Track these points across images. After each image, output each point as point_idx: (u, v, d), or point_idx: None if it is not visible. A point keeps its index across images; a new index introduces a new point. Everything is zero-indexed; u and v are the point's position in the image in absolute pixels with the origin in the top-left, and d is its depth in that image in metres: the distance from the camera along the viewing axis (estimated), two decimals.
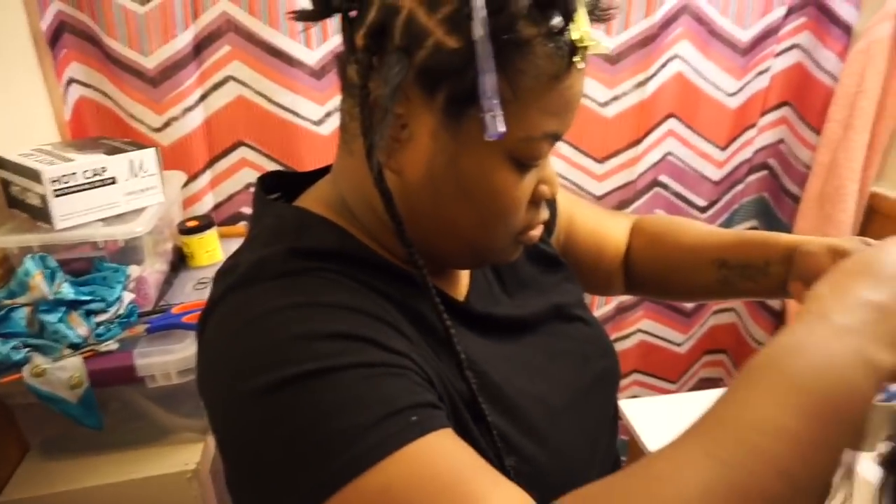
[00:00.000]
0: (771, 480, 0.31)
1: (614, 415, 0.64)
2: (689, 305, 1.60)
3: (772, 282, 0.61)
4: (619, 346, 1.60)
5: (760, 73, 1.38)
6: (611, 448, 0.61)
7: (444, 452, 0.35)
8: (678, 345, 1.65)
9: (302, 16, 0.45)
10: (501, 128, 0.40)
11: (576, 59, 0.42)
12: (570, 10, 0.41)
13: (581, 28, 0.42)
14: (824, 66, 1.35)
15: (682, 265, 0.70)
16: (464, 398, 0.45)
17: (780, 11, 1.33)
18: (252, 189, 1.25)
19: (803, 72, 1.40)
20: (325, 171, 0.56)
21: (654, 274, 0.73)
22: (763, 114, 1.44)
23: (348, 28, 0.44)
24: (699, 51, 1.34)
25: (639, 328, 1.61)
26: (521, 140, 0.43)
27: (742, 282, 0.64)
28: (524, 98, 0.42)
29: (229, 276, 0.45)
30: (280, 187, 0.57)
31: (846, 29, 1.32)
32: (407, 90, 0.42)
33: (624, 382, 1.67)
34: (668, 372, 1.69)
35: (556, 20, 0.41)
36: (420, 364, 0.42)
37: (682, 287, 0.72)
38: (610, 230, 0.75)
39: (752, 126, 1.44)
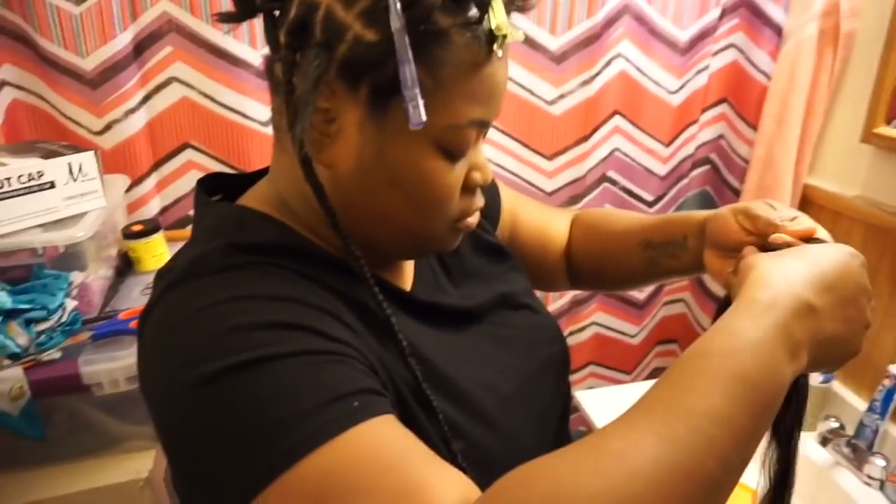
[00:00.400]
0: (711, 464, 0.33)
1: (566, 401, 0.65)
2: (640, 297, 1.64)
3: (691, 256, 0.63)
4: (575, 339, 1.64)
5: (699, 71, 1.43)
6: (563, 434, 0.62)
7: (386, 437, 0.36)
8: (632, 336, 1.69)
9: (225, 17, 0.46)
10: (423, 116, 0.41)
11: (494, 47, 0.44)
12: (483, 6, 0.43)
13: (498, 18, 0.43)
14: (758, 64, 1.42)
15: (612, 252, 0.72)
16: (409, 385, 0.46)
17: (714, 13, 1.38)
18: None
19: (739, 70, 1.46)
20: (264, 172, 0.56)
21: (589, 264, 0.76)
22: (703, 110, 1.50)
23: (271, 27, 0.45)
24: (641, 50, 1.38)
25: (593, 321, 1.65)
26: (447, 128, 0.44)
27: (666, 260, 0.66)
28: (446, 87, 0.43)
29: (168, 276, 0.45)
30: (221, 189, 0.57)
31: (777, 29, 1.38)
32: (331, 84, 0.43)
33: (580, 375, 1.70)
34: (622, 363, 1.73)
35: (472, 11, 0.43)
36: (363, 352, 0.42)
37: (615, 273, 0.74)
38: (553, 226, 0.77)
39: (694, 122, 1.49)
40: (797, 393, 0.50)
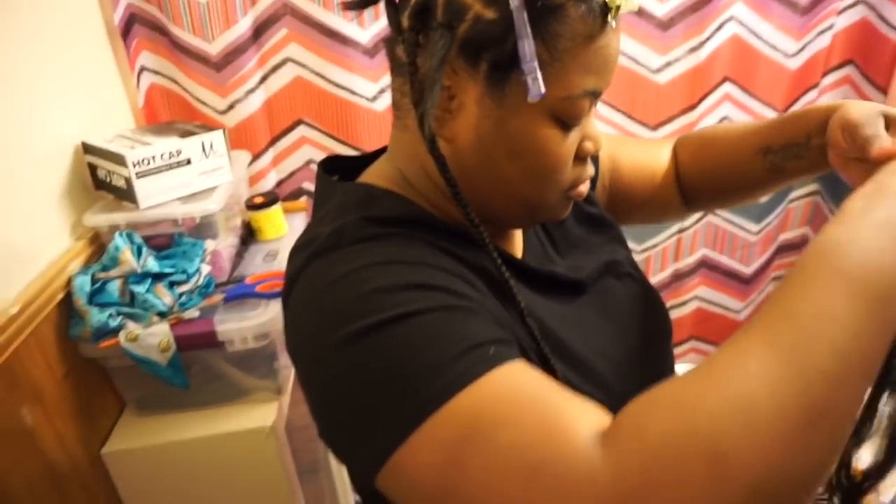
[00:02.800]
0: (826, 359, 0.33)
1: (671, 369, 0.66)
2: (747, 272, 1.58)
3: (816, 154, 0.61)
4: (676, 314, 1.61)
5: (822, 31, 1.33)
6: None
7: (524, 377, 0.38)
8: (737, 312, 1.64)
9: (349, 5, 0.50)
10: (542, 89, 0.43)
11: (609, 18, 0.45)
12: None
13: None
14: (891, 20, 1.30)
15: (730, 165, 0.70)
16: (528, 346, 0.49)
17: None
18: (312, 165, 1.32)
19: (869, 27, 1.34)
20: (377, 154, 0.60)
21: (706, 183, 0.74)
22: (825, 74, 1.40)
23: (393, 12, 0.48)
24: (755, 12, 1.31)
25: (696, 295, 1.61)
26: (563, 99, 0.46)
27: (790, 162, 0.64)
28: (562, 59, 0.45)
29: (308, 248, 0.48)
30: (338, 170, 0.61)
31: None
32: (452, 62, 0.46)
33: (681, 349, 1.67)
34: (726, 339, 1.68)
35: None
36: (491, 310, 0.46)
37: (736, 186, 0.72)
38: (654, 156, 0.76)
39: (814, 87, 1.40)
40: None
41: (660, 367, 0.63)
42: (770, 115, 1.40)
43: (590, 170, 0.54)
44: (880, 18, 1.32)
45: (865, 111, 0.53)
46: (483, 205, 0.52)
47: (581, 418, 0.35)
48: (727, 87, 1.37)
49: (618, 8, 0.45)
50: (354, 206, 0.51)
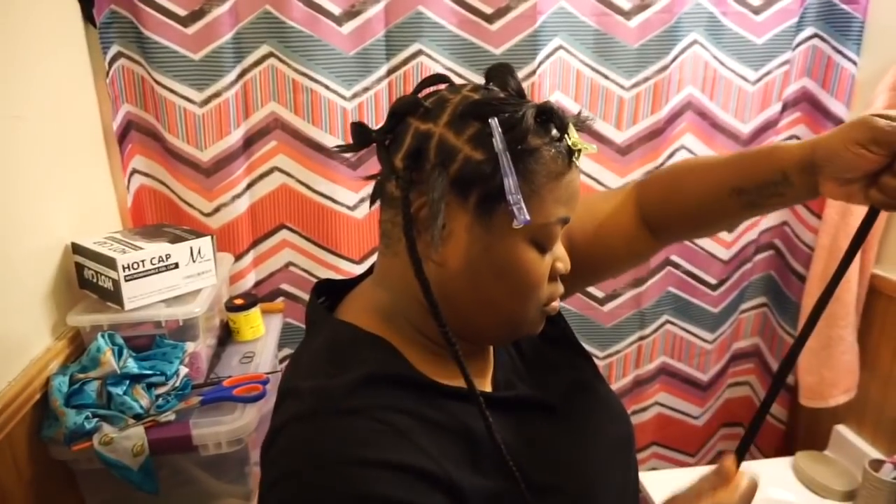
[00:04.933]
0: None
1: (636, 477, 0.70)
2: (704, 379, 1.65)
3: (800, 190, 0.61)
4: (638, 419, 1.65)
5: None
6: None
7: None
8: (695, 417, 1.69)
9: (344, 149, 0.58)
10: (527, 216, 0.51)
11: (573, 158, 0.55)
12: (563, 124, 0.54)
13: (573, 136, 0.55)
14: None
15: (703, 209, 0.70)
16: (506, 490, 0.52)
17: (776, 107, 1.45)
18: (292, 268, 1.36)
19: None
20: (361, 278, 0.66)
21: (677, 224, 0.74)
22: None
23: (385, 154, 0.56)
24: (703, 142, 1.46)
25: (656, 401, 1.66)
26: (541, 226, 0.54)
27: (769, 199, 0.64)
28: (539, 193, 0.53)
29: (293, 402, 0.53)
30: (328, 291, 0.66)
31: (838, 123, 1.43)
32: (445, 196, 0.53)
33: (643, 455, 1.70)
34: (686, 444, 1.72)
35: (554, 132, 0.54)
36: (461, 491, 0.50)
37: (712, 225, 0.73)
38: (608, 214, 0.76)
39: None
40: None
41: (628, 475, 0.67)
42: (720, 232, 1.52)
43: (560, 287, 0.60)
44: None
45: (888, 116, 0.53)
46: (469, 323, 0.57)
47: None
48: None
49: (580, 151, 0.55)
50: (341, 357, 0.55)
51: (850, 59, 1.40)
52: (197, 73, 1.22)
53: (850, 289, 1.34)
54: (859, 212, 1.30)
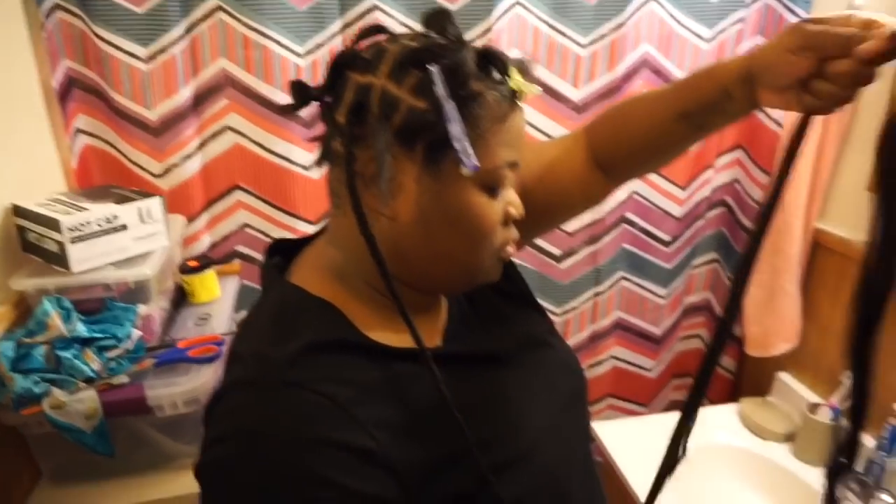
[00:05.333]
0: None
1: (588, 429, 0.72)
2: (657, 332, 1.70)
3: (742, 103, 0.61)
4: (594, 372, 1.70)
5: None
6: (588, 461, 0.69)
7: None
8: (648, 370, 1.75)
9: (286, 109, 0.57)
10: (475, 162, 0.51)
11: (517, 100, 0.55)
12: (504, 66, 0.54)
13: (515, 78, 0.55)
14: (771, 113, 1.49)
15: (651, 139, 0.71)
16: (456, 445, 0.53)
17: None
18: (248, 229, 1.35)
19: (752, 119, 1.53)
20: (316, 236, 0.66)
21: (628, 160, 0.75)
22: (719, 155, 1.58)
23: (327, 111, 0.55)
24: None
25: (611, 354, 1.71)
26: (489, 171, 0.54)
27: (714, 118, 0.65)
28: (485, 137, 0.53)
29: (237, 367, 0.53)
30: (282, 250, 0.66)
31: None
32: (390, 148, 0.52)
33: (598, 406, 1.76)
34: (639, 396, 1.78)
35: (496, 75, 0.54)
36: (395, 465, 0.50)
37: (663, 154, 0.73)
38: (558, 158, 0.76)
39: (710, 167, 1.57)
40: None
41: (578, 428, 0.69)
42: (674, 190, 1.55)
43: (515, 232, 0.60)
44: (762, 111, 1.51)
45: (825, 18, 0.52)
46: (426, 275, 0.58)
47: None
48: None
49: (522, 92, 0.55)
50: (287, 325, 0.55)
51: (799, 17, 1.41)
52: (141, 26, 1.17)
53: (794, 242, 1.39)
54: (805, 168, 1.34)
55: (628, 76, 1.42)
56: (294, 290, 0.59)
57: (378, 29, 0.58)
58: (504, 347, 0.66)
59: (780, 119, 1.47)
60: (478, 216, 0.55)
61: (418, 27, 0.58)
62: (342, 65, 0.54)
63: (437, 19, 0.56)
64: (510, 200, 0.59)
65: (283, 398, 0.49)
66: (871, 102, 1.27)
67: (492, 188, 0.55)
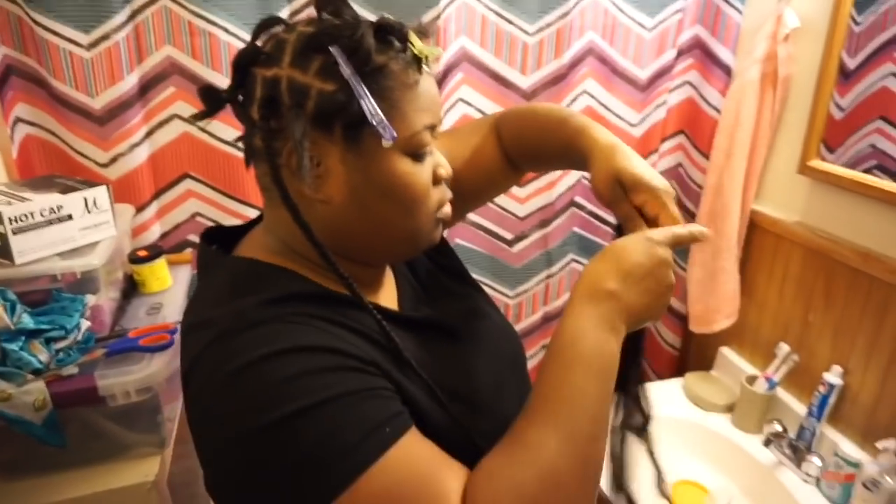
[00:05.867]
0: (589, 425, 0.50)
1: (529, 385, 0.76)
2: None
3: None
4: None
5: (658, 106, 1.57)
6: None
7: (412, 452, 0.48)
8: None
9: (199, 116, 0.58)
10: (394, 133, 0.53)
11: (422, 66, 0.57)
12: (403, 34, 0.56)
13: (417, 44, 0.57)
14: (710, 100, 1.55)
15: (543, 159, 0.81)
16: (418, 394, 0.55)
17: (671, 53, 1.52)
18: (199, 218, 1.34)
19: (694, 105, 1.60)
20: (252, 224, 0.66)
21: (530, 163, 0.83)
22: (663, 140, 1.64)
23: (241, 110, 0.56)
24: (604, 87, 1.52)
25: None
26: (409, 137, 0.56)
27: (580, 167, 0.72)
28: (398, 106, 0.55)
29: (205, 331, 0.51)
30: (217, 240, 0.66)
31: (726, 69, 1.52)
32: (308, 135, 0.53)
33: None
34: None
35: (397, 44, 0.56)
36: (385, 373, 0.52)
37: (555, 168, 0.94)
38: (477, 144, 0.81)
39: (655, 152, 1.63)
40: (633, 347, 0.61)
41: (523, 387, 0.74)
42: None
43: (448, 192, 0.63)
44: (702, 98, 1.58)
45: (610, 181, 0.63)
46: (369, 248, 0.60)
47: (450, 491, 0.47)
48: None
49: (426, 57, 0.57)
50: (246, 286, 0.55)
51: (735, 8, 1.48)
52: (81, 13, 1.14)
53: (732, 223, 1.46)
54: (741, 153, 1.41)
55: (574, 63, 1.46)
56: (246, 262, 0.59)
57: (274, 21, 0.58)
58: (451, 317, 0.70)
59: (718, 105, 1.53)
60: (408, 184, 0.57)
61: (369, 16, 0.60)
62: (246, 63, 0.55)
63: (331, 1, 0.57)
64: (438, 162, 0.61)
65: (263, 331, 0.50)
66: (800, 91, 1.34)
67: (416, 154, 0.57)
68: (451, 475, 0.48)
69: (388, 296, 0.68)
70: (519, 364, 0.76)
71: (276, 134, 0.53)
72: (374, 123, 0.52)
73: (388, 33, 0.55)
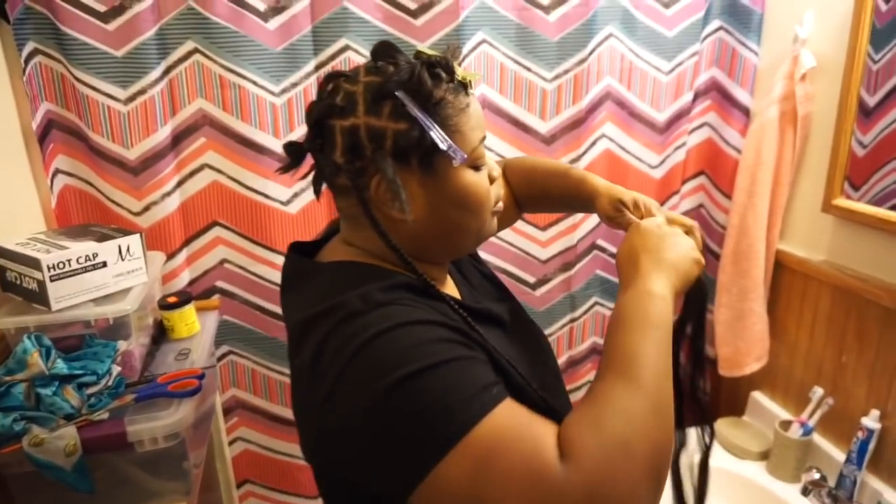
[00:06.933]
0: (659, 378, 0.56)
1: (564, 391, 0.82)
2: None
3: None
4: (573, 398, 1.72)
5: (678, 147, 1.58)
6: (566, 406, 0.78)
7: (515, 412, 0.53)
8: None
9: (286, 168, 0.66)
10: (463, 154, 0.62)
11: (469, 90, 0.66)
12: (450, 69, 0.64)
13: (460, 72, 0.65)
14: (729, 140, 1.56)
15: (550, 204, 0.98)
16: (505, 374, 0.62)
17: (688, 96, 1.54)
18: (227, 265, 1.37)
19: (713, 146, 1.61)
20: (325, 240, 0.74)
21: (537, 208, 0.99)
22: (684, 182, 1.64)
23: (324, 158, 0.63)
24: (623, 130, 1.54)
25: (589, 380, 1.73)
26: (471, 153, 0.64)
27: (582, 210, 0.92)
28: (458, 128, 0.63)
29: (332, 316, 0.57)
30: (297, 252, 0.73)
31: (744, 110, 1.53)
32: (396, 172, 0.61)
33: None
34: None
35: (446, 76, 0.64)
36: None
37: (563, 211, 1.04)
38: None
39: (676, 193, 1.63)
40: (694, 296, 0.76)
41: (564, 403, 0.77)
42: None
43: (500, 188, 0.72)
44: (721, 138, 1.59)
45: (614, 204, 0.81)
46: (446, 249, 0.70)
47: (548, 440, 0.51)
48: None
49: (471, 82, 0.66)
50: (358, 279, 0.61)
51: (751, 50, 1.50)
52: (120, 70, 1.20)
53: (758, 264, 1.45)
54: (764, 192, 1.40)
55: (592, 108, 1.49)
56: (347, 263, 0.66)
57: (334, 76, 0.65)
58: (501, 312, 0.76)
59: (738, 145, 1.54)
60: (476, 192, 0.66)
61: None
62: (321, 116, 0.63)
63: (386, 51, 0.64)
64: (490, 166, 0.70)
65: (396, 310, 0.57)
66: (821, 130, 1.34)
67: (476, 165, 0.66)
68: (547, 424, 0.53)
69: (451, 291, 0.76)
70: (558, 378, 0.81)
71: (361, 171, 0.62)
72: (445, 149, 0.61)
73: (437, 67, 0.63)
